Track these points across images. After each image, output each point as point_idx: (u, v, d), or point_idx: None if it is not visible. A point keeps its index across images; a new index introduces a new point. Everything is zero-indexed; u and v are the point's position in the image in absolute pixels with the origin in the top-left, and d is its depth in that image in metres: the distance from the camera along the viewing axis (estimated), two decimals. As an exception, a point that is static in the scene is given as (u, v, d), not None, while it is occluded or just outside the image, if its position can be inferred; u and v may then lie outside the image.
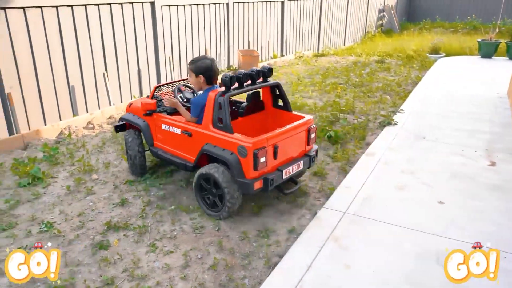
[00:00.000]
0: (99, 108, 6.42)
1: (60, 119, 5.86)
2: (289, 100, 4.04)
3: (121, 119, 4.36)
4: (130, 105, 4.37)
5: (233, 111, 4.00)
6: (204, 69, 3.63)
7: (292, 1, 11.30)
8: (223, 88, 3.44)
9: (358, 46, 14.24)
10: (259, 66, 9.67)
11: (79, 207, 3.72)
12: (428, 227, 3.31)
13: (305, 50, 12.46)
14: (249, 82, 3.66)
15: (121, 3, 6.47)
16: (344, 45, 14.91)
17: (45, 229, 3.35)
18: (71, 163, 4.61)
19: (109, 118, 6.25)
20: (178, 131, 3.74)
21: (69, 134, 5.40)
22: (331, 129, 5.29)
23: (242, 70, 3.58)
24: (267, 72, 3.74)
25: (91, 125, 5.94)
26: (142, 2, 6.86)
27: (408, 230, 3.29)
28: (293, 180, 3.75)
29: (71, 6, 5.74)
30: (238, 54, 9.48)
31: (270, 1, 10.45)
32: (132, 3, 6.67)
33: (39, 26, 5.39)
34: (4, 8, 4.91)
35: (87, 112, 6.25)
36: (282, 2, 10.92)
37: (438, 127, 5.70)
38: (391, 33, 17.35)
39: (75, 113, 6.09)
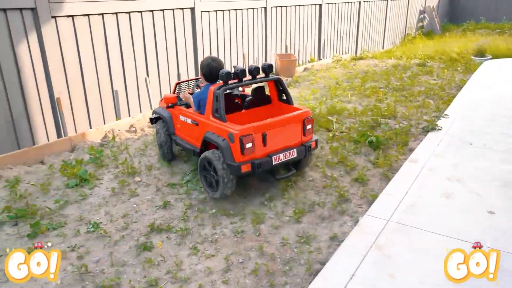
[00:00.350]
0: (141, 112, 6.60)
1: (104, 123, 6.07)
2: (290, 94, 4.47)
3: (153, 112, 4.96)
4: (161, 100, 4.94)
5: (236, 104, 4.39)
6: (203, 68, 4.25)
7: (330, 4, 11.19)
8: (222, 83, 3.92)
9: (397, 49, 13.91)
10: (295, 70, 9.64)
11: (124, 209, 3.83)
12: (477, 238, 3.15)
13: (342, 54, 12.29)
14: (250, 77, 4.08)
15: (162, 10, 6.63)
16: (383, 48, 14.59)
17: (92, 229, 3.47)
18: (115, 165, 4.76)
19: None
20: (189, 121, 4.27)
21: (113, 137, 5.58)
22: (372, 134, 5.18)
23: (239, 67, 4.01)
24: (267, 68, 4.13)
25: (133, 129, 6.11)
26: (182, 9, 7.01)
27: (455, 240, 3.15)
28: (289, 167, 4.10)
29: (116, 13, 5.94)
30: (276, 58, 9.49)
31: (307, 5, 10.40)
32: (173, 9, 6.82)
33: (86, 34, 5.61)
34: (55, 17, 5.15)
35: (129, 115, 6.44)
36: (320, 6, 10.84)
37: (485, 132, 5.45)
38: (432, 35, 16.83)
39: (118, 116, 6.29)
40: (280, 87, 4.35)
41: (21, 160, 4.80)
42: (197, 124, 4.11)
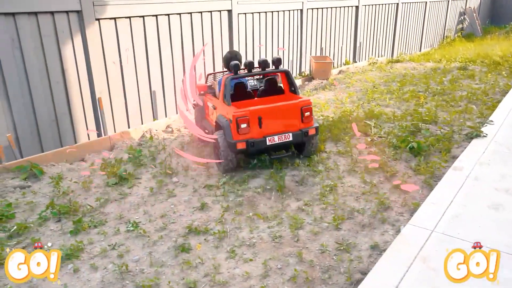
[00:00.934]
0: (177, 113, 6.68)
1: (142, 123, 6.18)
2: (297, 85, 4.92)
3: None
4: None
5: (249, 93, 4.99)
6: (223, 60, 5.15)
7: (367, 6, 10.98)
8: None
9: (435, 52, 13.47)
10: (331, 73, 9.49)
11: (162, 209, 3.87)
12: (530, 253, 2.98)
13: (378, 56, 12.04)
14: (259, 69, 4.71)
15: (200, 12, 6.69)
16: (420, 50, 14.19)
17: (131, 228, 3.52)
18: (153, 165, 4.83)
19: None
20: (211, 105, 4.97)
21: (151, 137, 5.67)
22: (413, 139, 5.01)
23: (248, 60, 4.63)
24: (276, 61, 4.65)
25: (169, 129, 6.19)
26: (220, 11, 7.05)
27: (506, 255, 2.98)
28: (286, 149, 4.70)
29: (156, 16, 6.05)
30: (311, 60, 9.39)
31: (343, 7, 10.24)
32: (211, 11, 6.87)
33: (127, 35, 5.73)
34: (98, 19, 5.29)
35: (166, 116, 6.54)
36: (356, 7, 10.66)
37: (535, 140, 5.16)
38: (473, 37, 16.22)
39: (155, 117, 6.39)
40: (289, 80, 4.87)
41: (63, 158, 4.94)
42: (214, 108, 4.80)
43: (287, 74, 4.89)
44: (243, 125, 4.21)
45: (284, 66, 8.98)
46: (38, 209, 3.88)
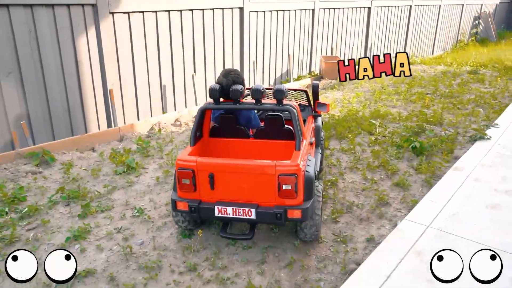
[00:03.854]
0: (186, 107, 6.82)
1: (151, 115, 6.33)
2: (298, 128, 3.19)
3: None
4: None
5: (242, 130, 3.56)
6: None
7: (379, 8, 11.01)
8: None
9: (448, 55, 13.43)
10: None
11: (167, 197, 4.00)
12: (524, 252, 3.04)
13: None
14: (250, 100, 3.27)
15: (212, 9, 6.82)
16: (432, 54, 14.14)
17: (137, 214, 3.66)
18: (160, 156, 4.96)
19: (194, 117, 6.58)
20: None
21: (159, 130, 5.81)
22: (416, 139, 5.07)
23: (255, 86, 3.19)
24: (276, 94, 3.15)
25: (178, 123, 6.33)
26: (231, 8, 7.17)
27: (500, 252, 3.04)
28: (252, 229, 3.19)
29: (168, 11, 6.19)
30: (321, 60, 9.47)
31: (356, 8, 10.29)
32: (222, 8, 7.00)
33: (139, 29, 5.89)
34: (112, 13, 5.45)
35: (175, 110, 6.68)
36: (369, 8, 10.69)
37: (539, 145, 5.18)
38: (487, 42, 16.10)
39: (164, 110, 6.54)
40: (293, 121, 3.18)
41: (74, 146, 5.11)
42: None
43: (292, 115, 3.17)
44: (185, 181, 2.99)
45: (295, 63, 9.05)
46: (49, 193, 4.04)
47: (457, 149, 5.10)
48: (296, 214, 2.91)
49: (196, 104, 6.86)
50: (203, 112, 3.38)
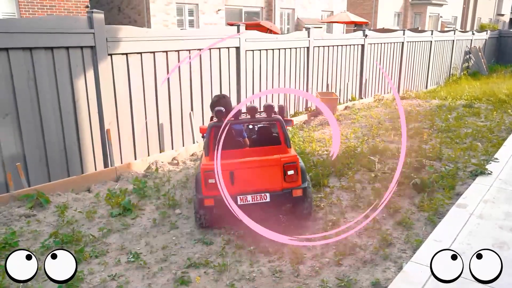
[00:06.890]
0: (183, 145, 6.78)
1: (148, 154, 6.27)
2: (288, 136, 4.33)
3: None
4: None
5: (239, 142, 4.59)
6: (210, 106, 4.81)
7: (372, 45, 11.25)
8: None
9: (441, 89, 13.62)
10: (337, 109, 9.63)
11: (163, 240, 3.88)
12: (536, 294, 2.92)
13: (384, 93, 12.20)
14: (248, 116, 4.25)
15: (209, 49, 6.92)
16: (426, 88, 14.35)
17: (132, 259, 3.53)
18: (157, 196, 4.87)
19: (192, 155, 6.55)
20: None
21: (156, 169, 5.74)
22: (417, 176, 5.01)
23: (250, 105, 4.28)
24: (266, 108, 4.14)
25: (175, 161, 6.27)
26: (228, 48, 7.28)
27: (511, 296, 2.93)
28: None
29: (166, 52, 6.26)
30: (317, 96, 9.55)
31: (350, 45, 10.51)
32: (219, 48, 7.10)
33: (137, 70, 5.93)
34: (111, 55, 5.50)
35: (172, 148, 6.63)
36: (362, 46, 10.93)
37: (540, 179, 5.13)
38: (478, 75, 16.40)
39: (161, 149, 6.49)
40: (281, 129, 4.29)
41: (69, 187, 5.02)
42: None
43: (279, 124, 4.28)
44: (211, 180, 3.73)
45: (291, 100, 9.14)
46: (42, 238, 3.91)
47: (459, 185, 5.04)
48: (298, 192, 3.88)
49: (194, 142, 6.82)
50: (211, 129, 4.20)
